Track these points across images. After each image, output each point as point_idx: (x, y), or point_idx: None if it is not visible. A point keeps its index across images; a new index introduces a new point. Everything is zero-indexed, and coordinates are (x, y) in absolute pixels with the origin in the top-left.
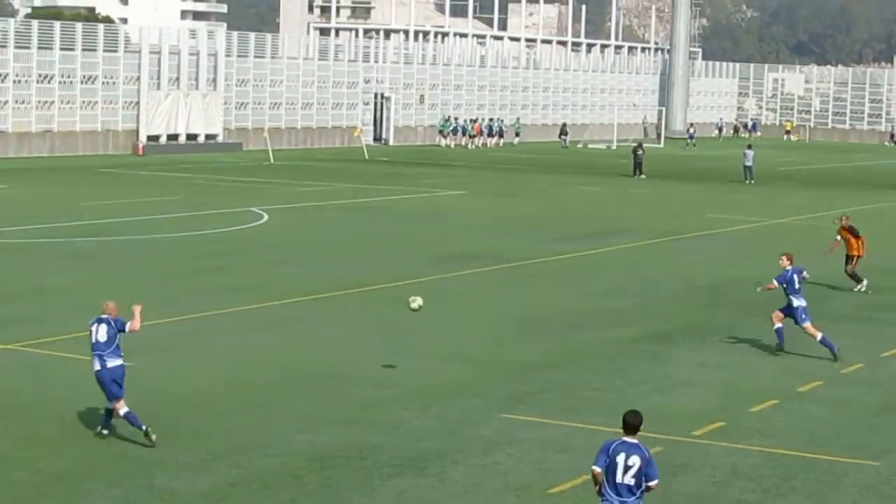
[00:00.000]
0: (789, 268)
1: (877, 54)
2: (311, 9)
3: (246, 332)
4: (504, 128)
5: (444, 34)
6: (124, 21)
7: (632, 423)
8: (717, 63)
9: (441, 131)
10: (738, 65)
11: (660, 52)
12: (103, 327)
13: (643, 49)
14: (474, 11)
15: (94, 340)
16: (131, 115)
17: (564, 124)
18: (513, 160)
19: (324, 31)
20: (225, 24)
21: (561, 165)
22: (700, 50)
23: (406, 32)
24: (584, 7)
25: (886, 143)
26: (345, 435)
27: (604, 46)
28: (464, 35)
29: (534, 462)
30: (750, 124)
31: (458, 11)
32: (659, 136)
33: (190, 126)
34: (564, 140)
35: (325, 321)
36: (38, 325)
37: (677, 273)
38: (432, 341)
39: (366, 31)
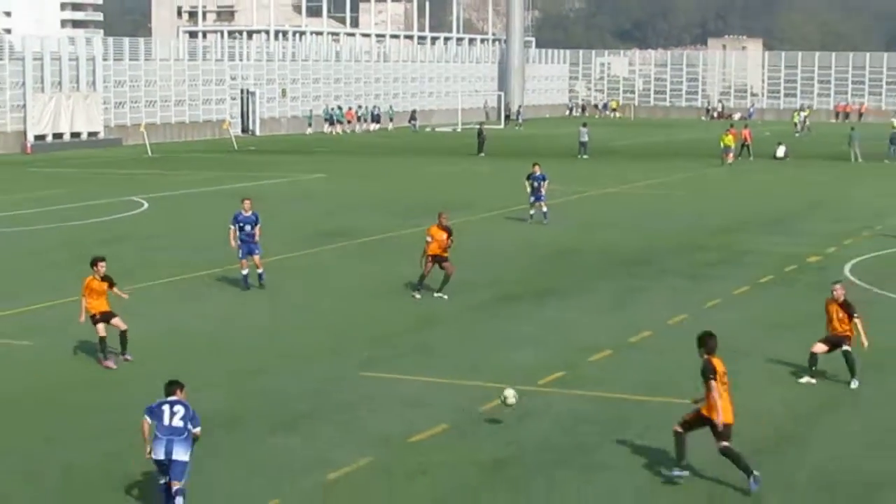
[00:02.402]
0: (249, 213)
1: (693, 38)
2: (179, 14)
3: (127, 314)
4: (381, 114)
5: (302, 33)
6: (8, 31)
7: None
8: (550, 50)
9: (327, 120)
10: (568, 51)
11: (497, 42)
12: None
13: (482, 40)
14: (328, 11)
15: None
16: (18, 118)
17: (414, 111)
18: (369, 144)
19: (192, 34)
20: (102, 31)
21: (412, 148)
22: (534, 39)
23: (267, 32)
24: (427, 3)
25: (703, 118)
26: (222, 401)
27: (447, 39)
28: (319, 33)
29: (394, 416)
30: (601, 104)
31: (314, 12)
32: (507, 117)
33: (73, 125)
34: (414, 125)
35: (203, 298)
36: None
37: (518, 241)
38: (298, 313)
39: (230, 33)
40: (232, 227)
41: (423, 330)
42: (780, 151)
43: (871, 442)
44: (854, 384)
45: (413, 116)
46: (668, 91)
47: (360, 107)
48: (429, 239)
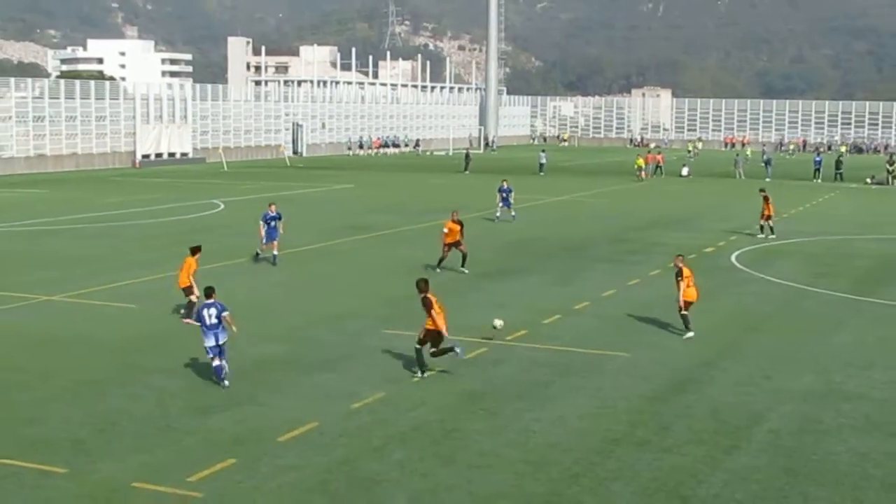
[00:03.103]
0: (274, 213)
1: (620, 88)
2: (248, 68)
3: (209, 283)
4: (398, 142)
5: (337, 82)
6: (123, 79)
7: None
8: (516, 96)
9: (360, 146)
10: (529, 97)
11: (478, 90)
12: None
13: (468, 89)
14: (356, 66)
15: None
16: (130, 142)
17: (418, 139)
18: (384, 163)
19: (257, 83)
20: (191, 79)
21: (416, 166)
22: (505, 88)
23: (311, 82)
24: (428, 62)
25: (628, 146)
26: (279, 348)
27: (442, 87)
28: (349, 82)
29: (403, 361)
30: (555, 136)
31: (345, 67)
32: (486, 144)
33: (170, 147)
34: (418, 150)
35: (264, 273)
36: (70, 283)
37: (492, 234)
38: (335, 284)
39: (285, 82)
40: (262, 223)
41: None
42: (685, 171)
43: (751, 384)
44: (686, 335)
45: (417, 143)
46: (602, 126)
47: (380, 137)
48: (445, 230)
